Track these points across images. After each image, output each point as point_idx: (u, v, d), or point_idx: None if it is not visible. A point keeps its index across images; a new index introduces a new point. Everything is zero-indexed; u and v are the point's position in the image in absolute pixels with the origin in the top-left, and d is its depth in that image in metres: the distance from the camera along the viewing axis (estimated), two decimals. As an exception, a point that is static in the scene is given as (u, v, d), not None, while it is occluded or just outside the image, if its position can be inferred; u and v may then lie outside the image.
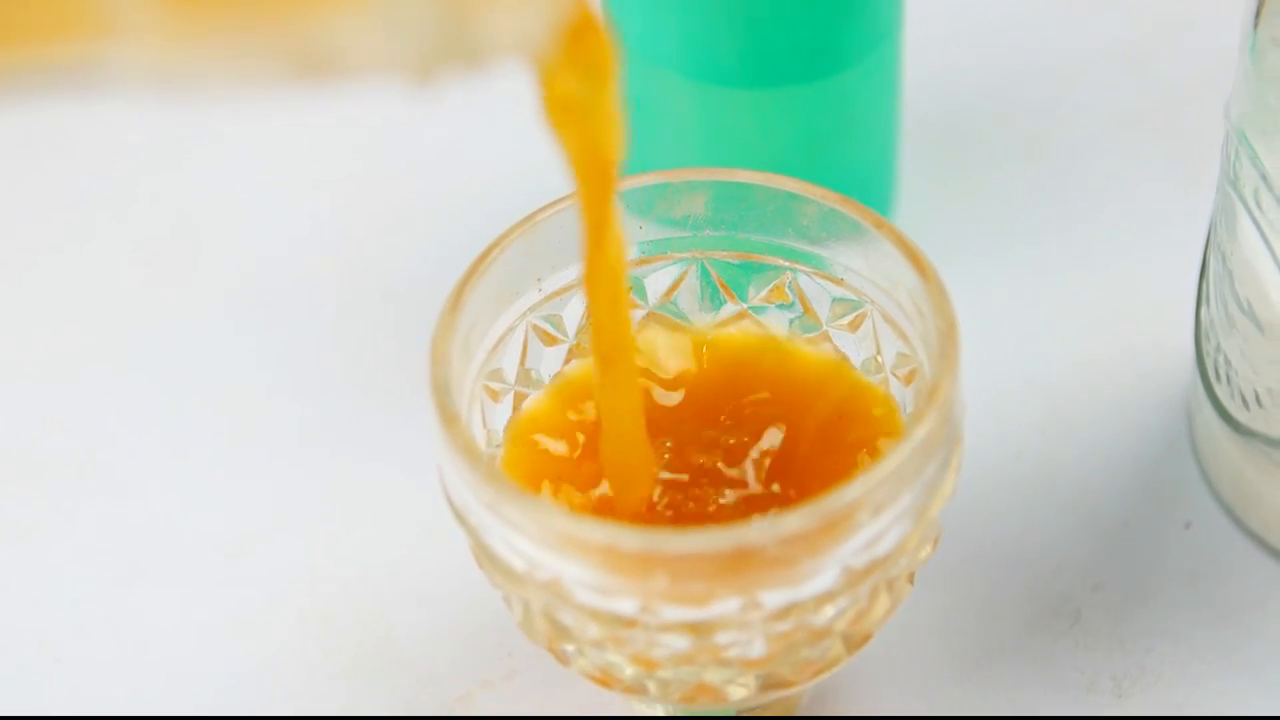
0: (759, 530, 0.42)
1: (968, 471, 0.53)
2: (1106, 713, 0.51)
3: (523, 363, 0.49)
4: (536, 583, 0.44)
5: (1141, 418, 0.56)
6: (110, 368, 0.59)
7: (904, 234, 0.46)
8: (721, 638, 0.43)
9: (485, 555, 0.45)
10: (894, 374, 0.48)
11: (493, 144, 0.64)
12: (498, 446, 0.48)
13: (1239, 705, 0.51)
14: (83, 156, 0.65)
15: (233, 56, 0.34)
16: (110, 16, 0.33)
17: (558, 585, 0.43)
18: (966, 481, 0.54)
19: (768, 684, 0.45)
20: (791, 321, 0.49)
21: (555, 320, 0.49)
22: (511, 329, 0.48)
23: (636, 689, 0.46)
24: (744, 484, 0.47)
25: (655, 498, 0.47)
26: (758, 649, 0.44)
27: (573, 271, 0.48)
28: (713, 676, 0.45)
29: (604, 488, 0.47)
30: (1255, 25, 0.46)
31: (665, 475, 0.47)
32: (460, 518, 0.45)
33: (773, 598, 0.43)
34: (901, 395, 0.48)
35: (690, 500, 0.47)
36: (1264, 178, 0.47)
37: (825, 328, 0.49)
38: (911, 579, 0.46)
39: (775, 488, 0.47)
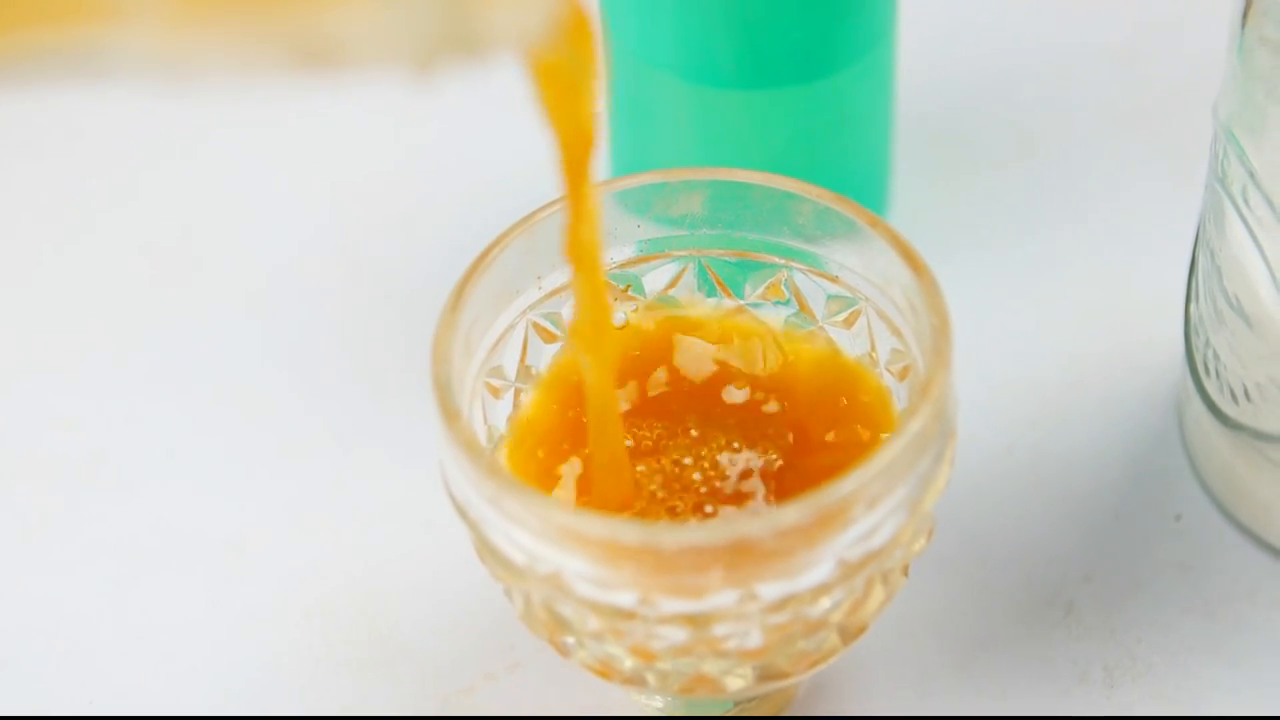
0: (756, 524, 0.42)
1: (961, 465, 0.54)
2: (1098, 702, 0.51)
3: (523, 360, 0.49)
4: (537, 576, 0.44)
5: (1132, 412, 0.56)
6: (115, 365, 0.59)
7: (898, 232, 0.46)
8: (719, 629, 0.43)
9: (487, 549, 0.45)
10: (888, 369, 0.48)
11: (493, 144, 0.64)
12: (498, 442, 0.48)
13: (1229, 695, 0.51)
14: (87, 155, 0.64)
15: (236, 44, 0.34)
16: (115, 2, 0.33)
17: (558, 578, 0.43)
18: (960, 475, 0.54)
19: (765, 675, 0.45)
20: (787, 318, 0.49)
21: (555, 318, 0.49)
22: (512, 326, 0.48)
23: (636, 680, 0.46)
24: (746, 475, 0.47)
25: (655, 490, 0.47)
26: (755, 640, 0.44)
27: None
28: (711, 668, 0.45)
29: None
30: (1243, 25, 0.46)
31: (663, 466, 0.47)
32: (462, 512, 0.45)
33: (769, 590, 0.43)
34: (896, 390, 0.48)
35: (688, 492, 0.47)
36: (1252, 176, 0.47)
37: (820, 324, 0.49)
38: (906, 571, 0.46)
39: (771, 488, 0.47)
